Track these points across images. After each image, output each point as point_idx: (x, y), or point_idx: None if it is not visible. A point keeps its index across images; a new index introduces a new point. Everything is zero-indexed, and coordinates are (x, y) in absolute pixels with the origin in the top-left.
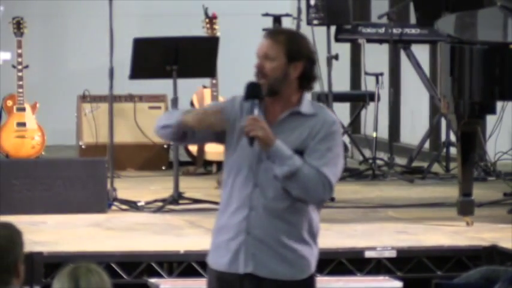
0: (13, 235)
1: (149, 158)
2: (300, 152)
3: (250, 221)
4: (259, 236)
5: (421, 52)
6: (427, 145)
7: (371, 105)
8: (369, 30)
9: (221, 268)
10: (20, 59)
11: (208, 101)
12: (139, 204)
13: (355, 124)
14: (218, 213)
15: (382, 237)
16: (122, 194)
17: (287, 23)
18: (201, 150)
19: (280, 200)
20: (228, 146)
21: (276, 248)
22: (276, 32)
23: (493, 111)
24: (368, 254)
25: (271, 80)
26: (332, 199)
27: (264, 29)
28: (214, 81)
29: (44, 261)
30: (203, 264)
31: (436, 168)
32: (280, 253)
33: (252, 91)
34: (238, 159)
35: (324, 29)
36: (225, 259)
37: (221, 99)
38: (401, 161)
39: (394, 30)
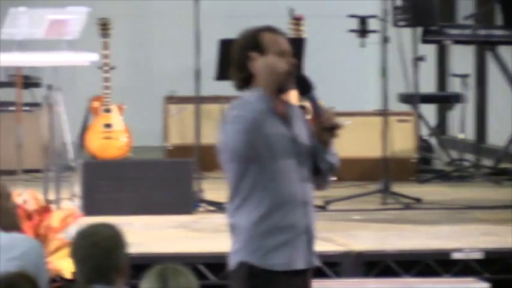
0: (118, 236)
1: None
2: None
3: (308, 216)
4: (313, 228)
5: (508, 53)
6: None
7: (457, 107)
8: (455, 31)
9: (289, 267)
10: (106, 61)
11: (294, 101)
12: (226, 205)
13: (441, 125)
14: (259, 215)
15: (469, 239)
16: (208, 195)
17: (373, 25)
18: None
19: (312, 192)
20: (262, 153)
21: (315, 239)
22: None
23: None
24: (455, 256)
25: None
26: (418, 200)
27: (351, 30)
28: None
29: (130, 262)
30: None
31: None
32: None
33: (308, 83)
34: (281, 161)
35: (410, 30)
36: (294, 257)
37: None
38: (488, 162)
39: (480, 32)
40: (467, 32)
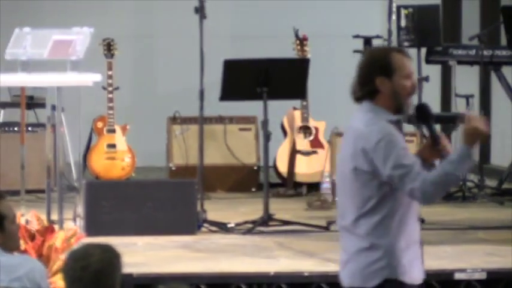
0: (113, 258)
1: (239, 180)
2: None
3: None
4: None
5: None
6: None
7: (461, 127)
8: (459, 52)
9: (419, 280)
10: (110, 81)
11: (298, 122)
12: (229, 226)
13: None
14: (391, 232)
15: (472, 259)
16: (211, 215)
17: (377, 45)
18: (291, 172)
19: None
20: None
21: None
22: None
23: None
24: (458, 276)
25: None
26: (422, 221)
27: (356, 51)
28: (304, 103)
29: (134, 282)
30: (294, 286)
31: None
32: None
33: (429, 111)
34: None
35: (414, 50)
36: (420, 271)
37: (312, 121)
38: (491, 182)
39: (485, 52)
40: (472, 52)
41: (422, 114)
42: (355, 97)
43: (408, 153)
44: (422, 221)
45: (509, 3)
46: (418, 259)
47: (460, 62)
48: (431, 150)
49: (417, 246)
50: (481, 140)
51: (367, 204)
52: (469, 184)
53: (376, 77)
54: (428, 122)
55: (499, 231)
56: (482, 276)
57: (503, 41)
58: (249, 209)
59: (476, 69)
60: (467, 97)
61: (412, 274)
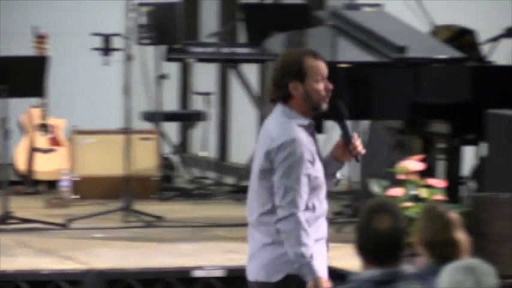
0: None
1: None
2: None
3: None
4: None
5: (250, 71)
6: None
7: (200, 125)
8: (198, 49)
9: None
10: None
11: (37, 120)
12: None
13: (184, 144)
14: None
15: (211, 257)
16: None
17: (118, 43)
18: (30, 170)
19: None
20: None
21: None
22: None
23: (319, 130)
24: (196, 274)
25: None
26: (160, 218)
27: (94, 49)
28: (43, 101)
29: None
30: (33, 284)
31: None
32: None
33: (343, 111)
34: (319, 178)
35: (154, 48)
36: (324, 267)
37: (51, 119)
38: (229, 180)
39: (224, 50)
40: (211, 50)
41: (335, 113)
42: (270, 98)
43: (304, 171)
44: (160, 218)
45: (248, 1)
46: (323, 255)
47: (198, 60)
48: (344, 150)
49: (323, 243)
50: None
51: (270, 202)
52: (208, 181)
53: (289, 81)
54: (341, 121)
55: (238, 229)
56: (221, 273)
57: (242, 38)
58: None
59: (215, 66)
60: (206, 94)
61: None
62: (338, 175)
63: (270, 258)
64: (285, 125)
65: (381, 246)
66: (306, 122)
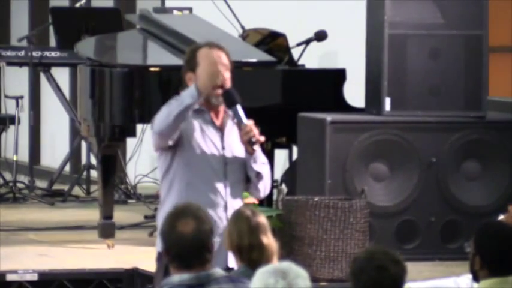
0: None
1: None
2: None
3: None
4: None
5: (62, 75)
6: (67, 168)
7: (11, 128)
8: (8, 53)
9: None
10: None
11: None
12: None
13: None
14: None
15: (24, 260)
16: None
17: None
18: None
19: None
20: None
21: None
22: (220, 45)
23: (133, 133)
24: (10, 277)
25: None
26: None
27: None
28: None
29: None
30: None
31: (77, 191)
32: None
33: (234, 98)
34: (201, 161)
35: None
36: None
37: None
38: (42, 184)
39: (34, 53)
40: (21, 53)
41: (228, 100)
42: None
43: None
44: None
45: (58, 5)
46: None
47: (9, 63)
48: (241, 137)
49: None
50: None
51: None
52: (20, 185)
53: (185, 73)
54: (233, 107)
55: (50, 232)
56: (34, 277)
57: (53, 42)
58: None
59: (26, 70)
60: (17, 98)
61: None
62: (254, 166)
63: None
64: None
65: (186, 250)
66: (197, 107)
